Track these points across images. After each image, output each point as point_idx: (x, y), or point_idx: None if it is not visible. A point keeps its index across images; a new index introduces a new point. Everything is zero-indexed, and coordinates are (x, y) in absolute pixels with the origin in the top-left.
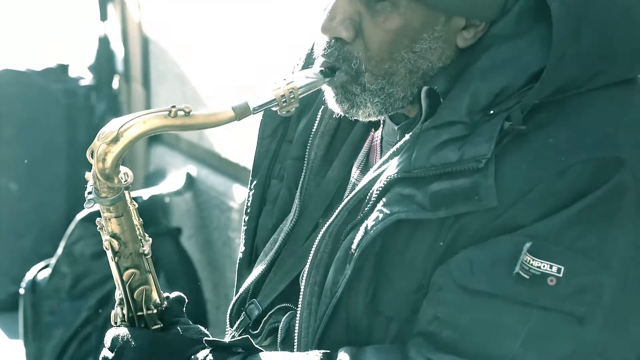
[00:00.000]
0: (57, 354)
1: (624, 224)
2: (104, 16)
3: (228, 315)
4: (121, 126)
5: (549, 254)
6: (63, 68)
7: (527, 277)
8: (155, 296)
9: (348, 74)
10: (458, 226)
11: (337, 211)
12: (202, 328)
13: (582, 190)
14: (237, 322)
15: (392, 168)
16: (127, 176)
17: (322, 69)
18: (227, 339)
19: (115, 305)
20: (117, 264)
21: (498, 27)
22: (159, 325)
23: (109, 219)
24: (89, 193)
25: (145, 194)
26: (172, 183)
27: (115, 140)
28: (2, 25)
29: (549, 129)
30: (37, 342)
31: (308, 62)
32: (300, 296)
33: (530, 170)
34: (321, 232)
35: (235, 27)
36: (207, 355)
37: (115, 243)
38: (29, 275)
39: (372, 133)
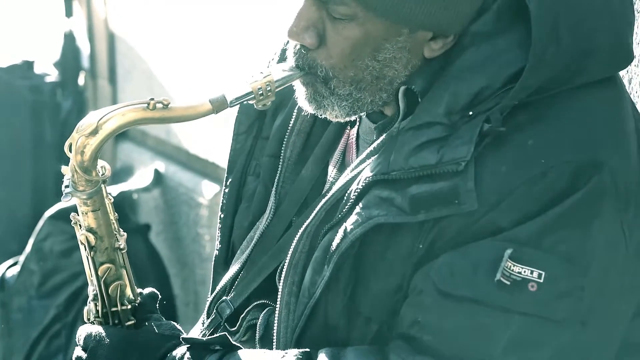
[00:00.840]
0: (26, 352)
1: (603, 226)
2: (69, 12)
3: (205, 314)
4: (100, 118)
5: (530, 260)
6: (28, 64)
7: (508, 283)
8: (129, 292)
9: (318, 77)
10: (437, 229)
11: (315, 211)
12: (175, 324)
13: (561, 192)
14: (209, 321)
15: (370, 169)
16: (105, 169)
17: (299, 63)
18: (195, 335)
19: (89, 301)
20: (92, 258)
21: (477, 24)
22: (132, 322)
23: (86, 213)
24: (66, 187)
25: (113, 190)
26: (140, 179)
27: (94, 132)
28: None
29: (528, 131)
30: (6, 340)
31: (283, 57)
32: (279, 295)
33: (509, 172)
34: (299, 232)
35: (202, 23)
36: (184, 353)
37: (91, 237)
38: None
39: (347, 131)
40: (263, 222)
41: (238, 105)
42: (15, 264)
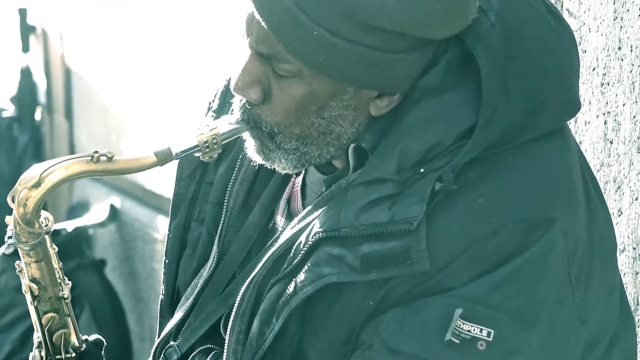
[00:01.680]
0: None
1: (551, 281)
2: (26, 48)
3: (151, 358)
4: (43, 171)
5: (479, 318)
6: None
7: (457, 341)
8: (74, 339)
9: (263, 132)
10: (388, 286)
11: (262, 261)
12: None
13: (512, 251)
14: None
15: (319, 223)
16: (48, 220)
17: (244, 117)
18: None
19: (33, 347)
20: (36, 308)
21: (426, 79)
22: None
23: (29, 264)
24: (9, 237)
25: (69, 226)
26: (95, 215)
27: (37, 185)
28: None
29: (479, 188)
30: None
31: (224, 99)
32: (225, 343)
33: (461, 232)
34: (246, 282)
35: (158, 59)
36: None
37: (34, 287)
38: None
39: (293, 179)
40: (207, 269)
41: None
42: None
